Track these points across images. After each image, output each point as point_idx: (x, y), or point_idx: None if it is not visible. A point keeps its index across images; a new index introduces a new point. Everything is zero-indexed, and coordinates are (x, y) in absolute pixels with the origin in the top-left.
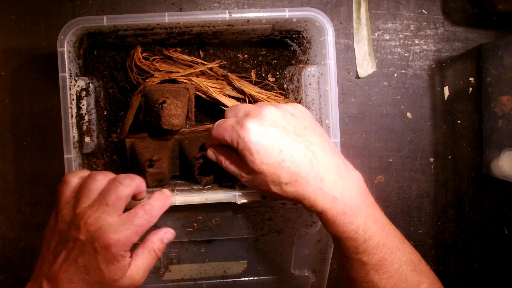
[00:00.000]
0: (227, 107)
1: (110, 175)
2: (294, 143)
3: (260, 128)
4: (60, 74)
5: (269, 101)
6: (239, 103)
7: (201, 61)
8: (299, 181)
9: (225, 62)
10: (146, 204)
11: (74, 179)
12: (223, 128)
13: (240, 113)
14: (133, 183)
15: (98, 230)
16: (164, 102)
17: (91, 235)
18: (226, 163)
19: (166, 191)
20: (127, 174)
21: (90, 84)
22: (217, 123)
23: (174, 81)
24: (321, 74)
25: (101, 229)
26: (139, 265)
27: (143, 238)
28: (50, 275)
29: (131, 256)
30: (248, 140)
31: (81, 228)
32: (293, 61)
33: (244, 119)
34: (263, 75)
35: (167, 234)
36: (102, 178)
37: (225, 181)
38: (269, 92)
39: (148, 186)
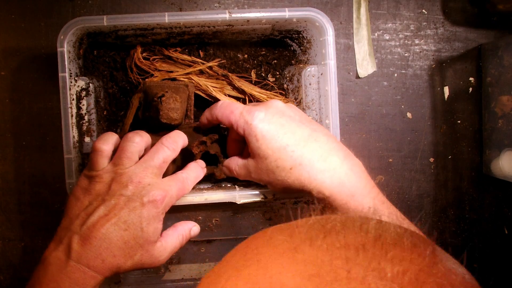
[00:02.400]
0: None
1: (145, 136)
2: (299, 128)
3: (267, 116)
4: (60, 74)
5: None
6: (239, 102)
7: (201, 60)
8: (303, 164)
9: (225, 62)
10: (184, 172)
11: (106, 147)
12: (229, 110)
13: (247, 105)
14: (177, 146)
15: (147, 186)
16: (163, 95)
17: (139, 190)
18: (236, 170)
19: (201, 162)
20: (169, 135)
21: (90, 84)
22: (220, 103)
23: (174, 80)
24: (321, 74)
25: (150, 186)
26: (168, 243)
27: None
28: (84, 232)
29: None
30: (255, 126)
31: (128, 184)
32: (293, 61)
33: (252, 108)
34: (263, 75)
35: (195, 227)
36: (140, 140)
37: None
38: (269, 92)
39: None
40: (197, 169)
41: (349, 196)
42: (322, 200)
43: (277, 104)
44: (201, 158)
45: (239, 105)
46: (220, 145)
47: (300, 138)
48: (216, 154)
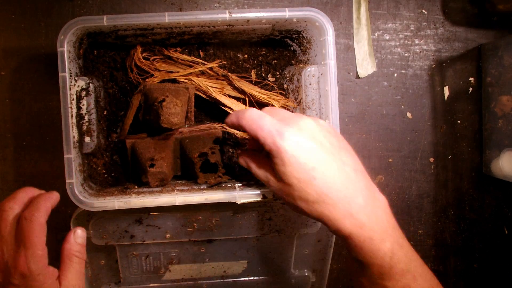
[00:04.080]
0: (227, 106)
1: (8, 210)
2: (328, 161)
3: (298, 139)
4: (60, 74)
5: (269, 101)
6: (239, 102)
7: (201, 61)
8: (326, 202)
9: (225, 62)
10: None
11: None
12: (258, 125)
13: (276, 117)
14: (40, 214)
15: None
16: (163, 100)
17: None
18: (255, 169)
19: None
20: (32, 206)
21: (90, 84)
22: (249, 113)
23: (174, 81)
24: (321, 74)
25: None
26: (68, 276)
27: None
28: None
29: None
30: (284, 151)
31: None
32: (293, 61)
33: (283, 127)
34: (263, 75)
35: (76, 233)
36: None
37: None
38: (269, 92)
39: (150, 186)
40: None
41: (367, 239)
42: (339, 237)
43: (310, 125)
44: (201, 166)
45: (268, 119)
46: (220, 153)
47: (328, 173)
48: (216, 163)
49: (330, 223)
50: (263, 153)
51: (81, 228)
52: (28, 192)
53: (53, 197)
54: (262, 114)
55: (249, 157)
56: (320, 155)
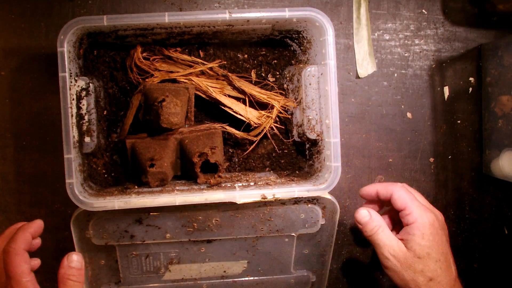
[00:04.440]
0: (227, 106)
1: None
2: (449, 253)
3: (436, 225)
4: (60, 74)
5: (269, 101)
6: (239, 102)
7: (201, 61)
8: (441, 284)
9: (225, 62)
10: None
11: None
12: (402, 194)
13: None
14: (17, 244)
15: None
16: (163, 100)
17: None
18: (380, 230)
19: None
20: (11, 238)
21: (90, 84)
22: (397, 186)
23: (174, 81)
24: (321, 74)
25: None
26: None
27: None
28: None
29: None
30: (429, 226)
31: None
32: (293, 61)
33: (429, 208)
34: (263, 75)
35: (69, 258)
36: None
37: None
38: (269, 92)
39: (150, 186)
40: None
41: None
42: None
43: (441, 219)
44: (201, 166)
45: (417, 201)
46: (220, 153)
47: (448, 263)
48: (216, 163)
49: None
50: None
51: (76, 253)
52: (16, 227)
53: (33, 226)
54: (410, 192)
55: (376, 215)
56: (446, 244)
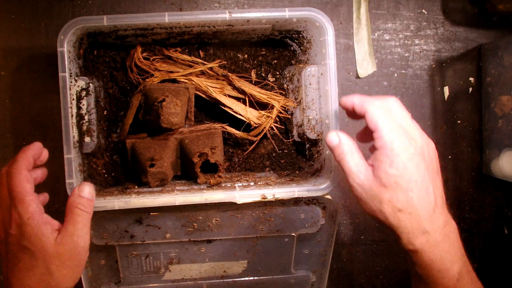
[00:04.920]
0: (227, 106)
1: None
2: (426, 181)
3: (412, 151)
4: (60, 74)
5: (269, 101)
6: (239, 102)
7: (201, 61)
8: (412, 215)
9: (225, 62)
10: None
11: None
12: (384, 119)
13: (397, 122)
14: (18, 165)
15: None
16: (163, 100)
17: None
18: (347, 157)
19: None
20: (12, 161)
21: (90, 84)
22: (379, 102)
23: (174, 81)
24: (321, 74)
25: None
26: (68, 228)
27: None
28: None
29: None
30: (397, 154)
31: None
32: (293, 61)
33: (404, 135)
34: (263, 75)
35: (80, 187)
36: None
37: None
38: (269, 92)
39: (150, 186)
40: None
41: (438, 258)
42: (407, 250)
43: (421, 141)
44: (201, 166)
45: (393, 120)
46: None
47: (424, 192)
48: (216, 163)
49: (405, 235)
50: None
51: (88, 184)
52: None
53: (32, 147)
54: (389, 111)
55: (346, 139)
56: (424, 172)
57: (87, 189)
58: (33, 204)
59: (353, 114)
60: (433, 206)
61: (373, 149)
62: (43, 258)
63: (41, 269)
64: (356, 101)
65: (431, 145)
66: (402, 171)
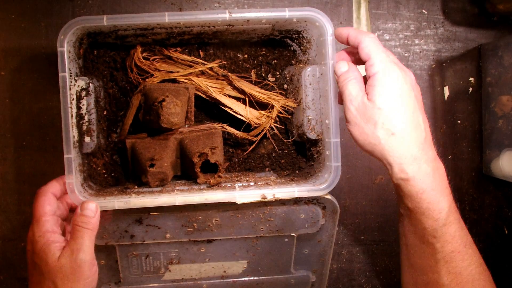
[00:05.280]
0: (227, 106)
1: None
2: (418, 112)
3: (404, 79)
4: (60, 74)
5: (269, 101)
6: (239, 102)
7: (201, 61)
8: (405, 139)
9: (225, 62)
10: None
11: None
12: (378, 48)
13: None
14: (45, 187)
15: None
16: (163, 100)
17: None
18: (351, 82)
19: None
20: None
21: (90, 84)
22: (372, 35)
23: (174, 81)
24: (321, 74)
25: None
26: (71, 244)
27: None
28: None
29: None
30: (394, 77)
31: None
32: (293, 61)
33: (397, 63)
34: (263, 75)
35: (82, 206)
36: None
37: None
38: (269, 92)
39: (150, 186)
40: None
41: (429, 188)
42: (397, 179)
43: (412, 78)
44: (201, 166)
45: (386, 50)
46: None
47: (415, 119)
48: (216, 163)
49: (397, 161)
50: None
51: (91, 202)
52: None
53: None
54: (380, 44)
55: (355, 68)
56: (414, 102)
57: (89, 207)
58: (46, 225)
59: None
60: (424, 136)
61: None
62: (48, 273)
63: (48, 283)
64: (351, 32)
65: (414, 79)
66: (396, 95)
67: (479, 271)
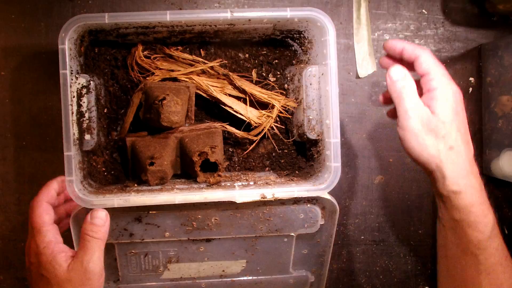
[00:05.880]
0: (228, 106)
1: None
2: (467, 128)
3: (459, 95)
4: (61, 71)
5: (269, 101)
6: (240, 102)
7: (202, 60)
8: (461, 155)
9: (226, 61)
10: None
11: None
12: (429, 58)
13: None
14: (38, 198)
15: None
16: (164, 99)
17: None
18: (410, 91)
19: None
20: (36, 195)
21: (91, 82)
22: (425, 50)
23: (175, 80)
24: (322, 74)
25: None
26: (79, 254)
27: None
28: None
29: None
30: (454, 91)
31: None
32: (294, 61)
33: (451, 79)
34: (264, 74)
35: (92, 214)
36: None
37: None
38: (270, 92)
39: (149, 184)
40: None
41: (478, 202)
42: (448, 191)
43: (462, 98)
44: (201, 165)
45: (442, 69)
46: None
47: (467, 137)
48: (216, 162)
49: (451, 174)
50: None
51: (101, 210)
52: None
53: (55, 181)
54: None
55: (410, 77)
56: (465, 119)
57: (98, 215)
58: (49, 235)
59: (395, 59)
60: (473, 152)
61: (393, 113)
62: (57, 285)
63: None
64: (407, 46)
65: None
66: (456, 111)
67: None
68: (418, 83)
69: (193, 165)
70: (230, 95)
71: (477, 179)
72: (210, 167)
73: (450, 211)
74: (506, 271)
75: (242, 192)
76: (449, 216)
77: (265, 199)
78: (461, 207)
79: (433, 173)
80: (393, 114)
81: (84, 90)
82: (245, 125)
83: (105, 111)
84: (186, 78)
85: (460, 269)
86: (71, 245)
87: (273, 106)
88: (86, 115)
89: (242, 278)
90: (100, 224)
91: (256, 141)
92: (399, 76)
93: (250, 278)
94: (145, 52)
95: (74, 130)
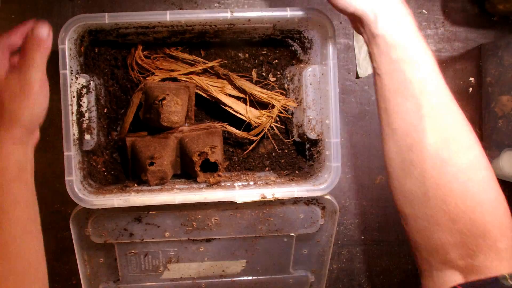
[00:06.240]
0: (228, 106)
1: None
2: None
3: None
4: (61, 71)
5: (269, 101)
6: (239, 102)
7: (202, 60)
8: None
9: (226, 61)
10: None
11: None
12: None
13: None
14: None
15: None
16: (164, 99)
17: None
18: None
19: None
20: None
21: (91, 82)
22: None
23: (174, 80)
24: (322, 74)
25: None
26: (19, 64)
27: None
28: None
29: None
30: None
31: None
32: (294, 61)
33: None
34: (264, 74)
35: (35, 28)
36: None
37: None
38: (270, 92)
39: (149, 184)
40: None
41: (415, 34)
42: (382, 28)
43: None
44: (201, 165)
45: None
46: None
47: None
48: (216, 162)
49: (382, 11)
50: None
51: (42, 21)
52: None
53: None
54: None
55: None
56: None
57: (41, 27)
58: None
59: None
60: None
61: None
62: None
63: None
64: None
65: None
66: None
67: (464, 128)
68: None
69: (193, 165)
70: (230, 95)
71: (412, 18)
72: (210, 167)
73: (386, 52)
74: (450, 112)
75: (242, 192)
76: (386, 58)
77: (265, 199)
78: (398, 44)
79: (364, 15)
80: None
81: (84, 90)
82: (245, 125)
83: (105, 111)
84: (186, 78)
85: (402, 120)
86: (70, 247)
87: (273, 106)
88: (86, 115)
89: (242, 278)
90: (43, 36)
91: (256, 141)
92: None
93: (250, 278)
94: (145, 52)
95: (74, 130)
